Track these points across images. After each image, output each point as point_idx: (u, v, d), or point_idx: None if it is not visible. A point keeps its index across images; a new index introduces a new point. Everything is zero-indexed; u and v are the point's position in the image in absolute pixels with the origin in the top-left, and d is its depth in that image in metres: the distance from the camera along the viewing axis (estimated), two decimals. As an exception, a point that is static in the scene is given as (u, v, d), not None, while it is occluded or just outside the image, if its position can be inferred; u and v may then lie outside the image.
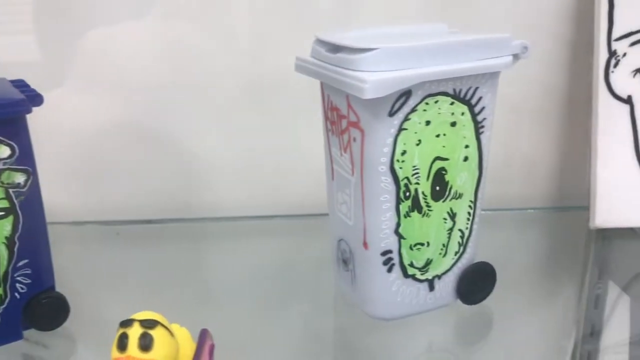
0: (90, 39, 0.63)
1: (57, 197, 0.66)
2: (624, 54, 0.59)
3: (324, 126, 0.48)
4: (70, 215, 0.67)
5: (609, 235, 0.63)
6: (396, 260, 0.45)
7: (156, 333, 0.34)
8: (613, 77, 0.59)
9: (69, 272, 0.56)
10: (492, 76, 0.43)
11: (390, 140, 0.42)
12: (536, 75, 0.66)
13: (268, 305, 0.52)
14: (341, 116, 0.44)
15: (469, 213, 0.47)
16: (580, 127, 0.65)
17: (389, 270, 0.45)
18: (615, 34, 0.59)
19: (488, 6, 0.64)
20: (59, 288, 0.48)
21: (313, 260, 0.58)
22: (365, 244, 0.45)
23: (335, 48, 0.43)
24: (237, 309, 0.52)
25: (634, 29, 0.59)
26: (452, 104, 0.43)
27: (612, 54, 0.59)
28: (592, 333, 0.51)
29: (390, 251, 0.45)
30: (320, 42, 0.45)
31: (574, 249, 0.64)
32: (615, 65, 0.59)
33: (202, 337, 0.38)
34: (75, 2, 0.62)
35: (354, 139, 0.43)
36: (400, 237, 0.45)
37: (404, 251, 0.45)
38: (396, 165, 0.43)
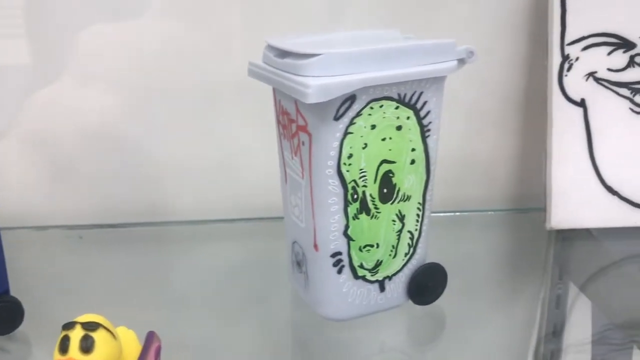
0: (52, 43, 0.64)
1: (21, 202, 0.67)
2: (577, 58, 0.60)
3: (277, 130, 0.49)
4: (34, 219, 0.67)
5: (568, 236, 0.64)
6: (346, 262, 0.46)
7: (98, 335, 0.34)
8: (566, 81, 0.60)
9: (29, 277, 0.56)
10: (436, 81, 0.44)
11: (336, 143, 0.43)
12: (495, 77, 0.67)
13: (226, 308, 0.53)
14: (291, 120, 0.45)
15: (417, 215, 0.48)
16: (539, 129, 0.66)
17: (339, 271, 0.46)
18: (568, 38, 0.60)
19: (449, 11, 0.65)
20: (16, 292, 0.48)
21: (274, 262, 0.59)
22: (315, 246, 0.46)
23: (283, 53, 0.44)
24: (197, 312, 0.53)
25: (586, 33, 0.60)
26: (397, 108, 0.44)
27: (565, 58, 0.60)
28: (554, 332, 0.52)
29: (339, 253, 0.46)
30: (270, 47, 0.46)
31: (534, 250, 0.64)
32: (569, 69, 0.60)
33: (149, 339, 0.39)
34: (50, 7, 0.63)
35: (303, 143, 0.44)
36: (349, 238, 0.45)
37: (353, 253, 0.46)
38: (343, 169, 0.43)
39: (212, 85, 0.65)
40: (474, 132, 0.69)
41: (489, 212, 0.70)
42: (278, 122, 0.48)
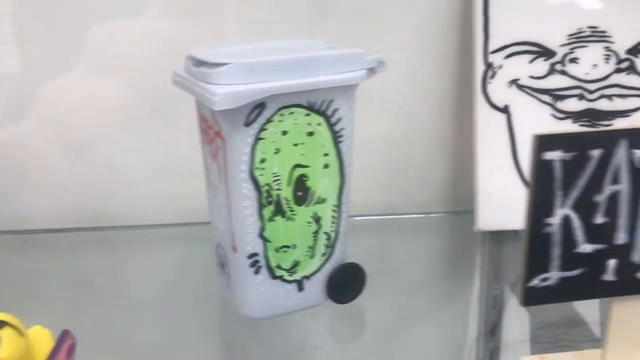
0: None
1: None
2: (500, 66, 0.62)
3: (199, 137, 0.51)
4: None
5: (500, 237, 0.65)
6: (263, 263, 0.48)
7: (3, 333, 0.36)
8: (490, 88, 0.63)
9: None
10: (347, 89, 0.46)
11: (247, 149, 0.44)
12: (428, 83, 0.69)
13: (159, 309, 0.55)
14: (209, 126, 0.47)
15: (333, 217, 0.49)
16: (471, 133, 0.68)
17: (257, 272, 0.48)
18: (491, 46, 0.62)
19: (379, 19, 0.67)
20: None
21: (206, 266, 0.60)
22: (234, 248, 0.48)
23: (198, 63, 0.45)
24: (127, 314, 0.54)
25: (508, 42, 0.62)
26: (307, 115, 0.46)
27: (488, 65, 0.62)
28: (492, 332, 0.54)
29: (256, 254, 0.47)
30: (189, 57, 0.48)
31: (469, 252, 0.66)
32: (492, 76, 0.63)
33: (62, 337, 0.40)
34: None
35: (219, 148, 0.46)
36: (265, 240, 0.47)
37: (270, 254, 0.48)
38: (256, 173, 0.45)
39: (164, 90, 0.65)
40: (407, 136, 0.70)
41: (424, 215, 0.72)
42: (200, 128, 0.50)
